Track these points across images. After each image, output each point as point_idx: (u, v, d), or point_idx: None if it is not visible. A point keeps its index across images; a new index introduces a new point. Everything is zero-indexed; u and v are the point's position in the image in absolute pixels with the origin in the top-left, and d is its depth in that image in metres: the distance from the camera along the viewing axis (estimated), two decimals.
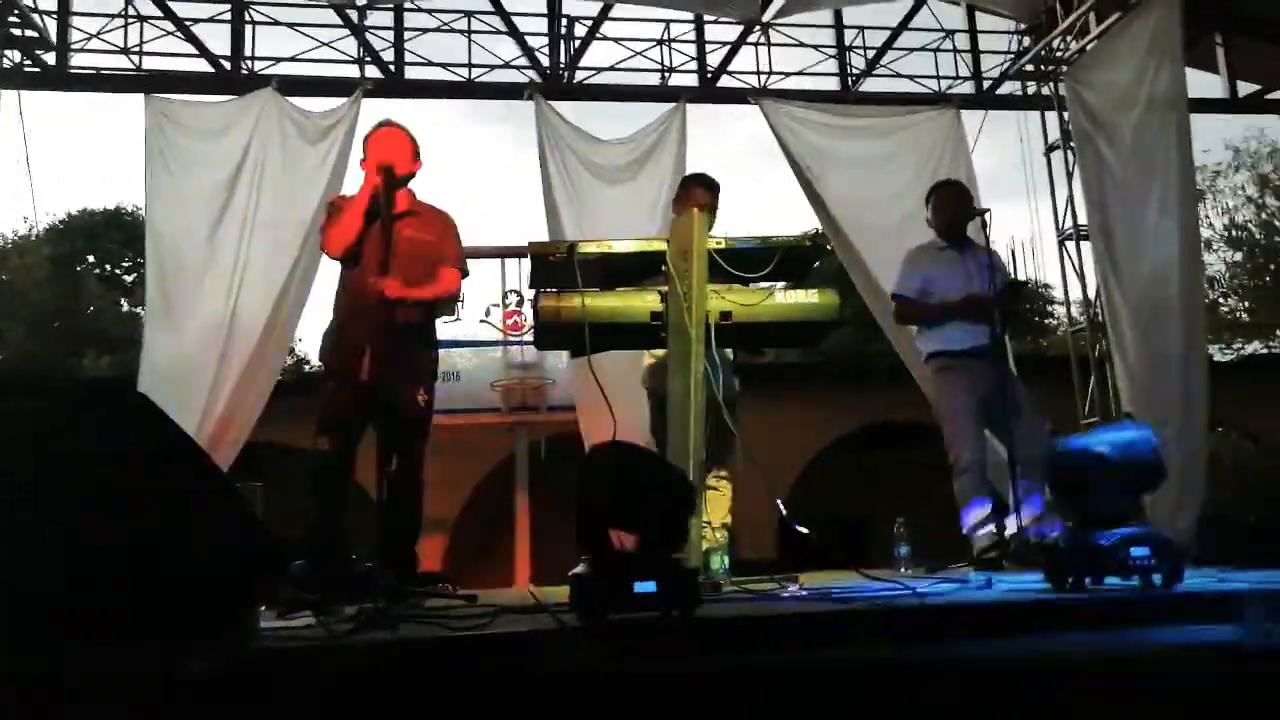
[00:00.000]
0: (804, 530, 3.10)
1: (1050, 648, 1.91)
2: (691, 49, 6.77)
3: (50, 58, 5.99)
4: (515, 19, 6.52)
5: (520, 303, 6.87)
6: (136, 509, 1.56)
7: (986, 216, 4.28)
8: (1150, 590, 2.23)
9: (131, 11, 6.07)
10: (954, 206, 4.56)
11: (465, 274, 3.67)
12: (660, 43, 6.71)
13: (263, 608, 2.90)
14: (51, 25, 6.00)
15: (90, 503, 1.52)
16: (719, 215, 4.13)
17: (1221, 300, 19.13)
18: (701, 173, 4.28)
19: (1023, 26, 6.77)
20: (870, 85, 6.97)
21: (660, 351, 3.99)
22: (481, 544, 9.45)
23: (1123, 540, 2.23)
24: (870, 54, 6.97)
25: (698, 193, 4.10)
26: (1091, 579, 2.28)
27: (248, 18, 6.26)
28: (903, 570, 4.12)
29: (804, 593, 2.52)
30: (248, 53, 6.23)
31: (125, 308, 17.56)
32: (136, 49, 6.05)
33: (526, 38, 6.50)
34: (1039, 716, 1.75)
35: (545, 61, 6.54)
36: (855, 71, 6.97)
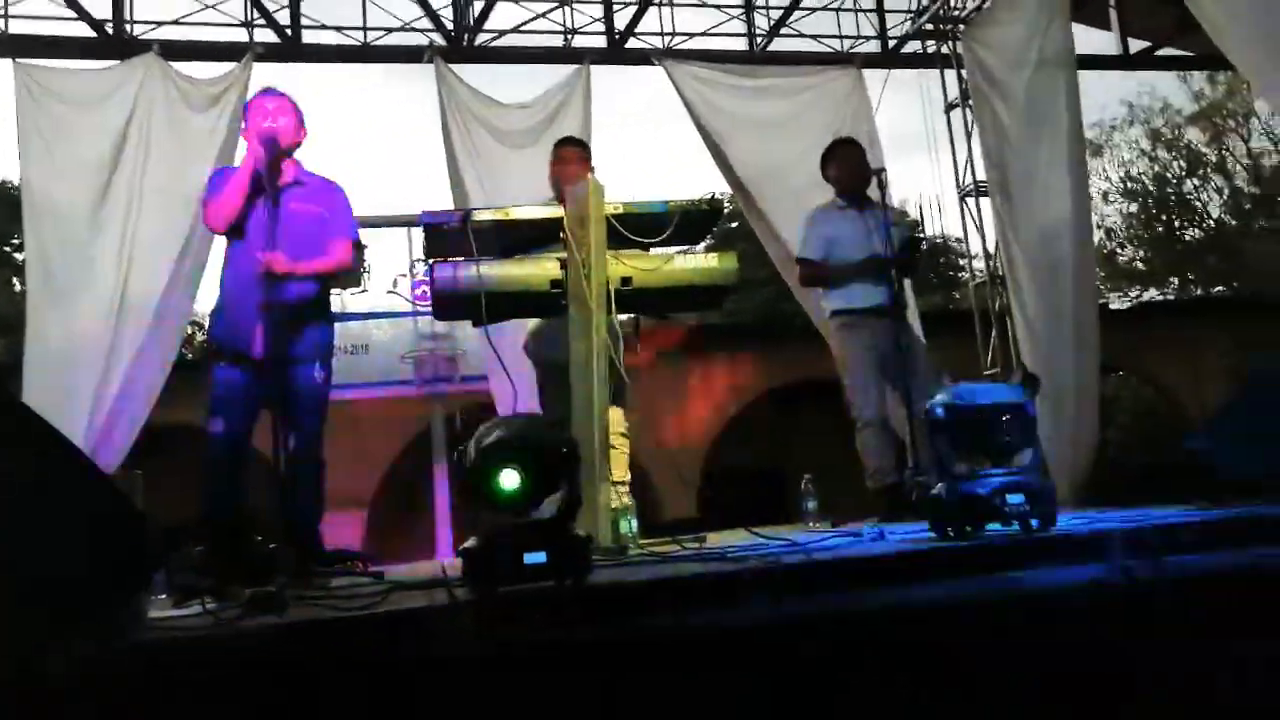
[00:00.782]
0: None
1: (931, 594, 1.98)
2: (594, 10, 6.68)
3: None
4: None
5: (427, 272, 6.75)
6: None
7: (883, 175, 4.36)
8: (1027, 535, 2.33)
9: None
10: (852, 164, 4.63)
11: (358, 245, 3.59)
12: (563, 3, 6.61)
13: (158, 597, 2.84)
14: None
15: None
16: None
17: (1119, 250, 19.95)
18: (568, 135, 4.29)
19: None
20: (776, 45, 6.99)
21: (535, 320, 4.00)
22: (401, 520, 9.36)
23: (998, 489, 2.33)
24: (776, 14, 6.98)
25: (569, 153, 4.11)
26: (972, 526, 2.38)
27: None
28: (810, 525, 4.23)
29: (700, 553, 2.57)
30: (128, 16, 5.92)
31: (18, 287, 16.72)
32: (1, 11, 5.68)
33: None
34: (917, 659, 1.82)
35: (447, 24, 6.38)
36: (761, 32, 6.98)
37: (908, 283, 4.79)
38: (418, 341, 6.82)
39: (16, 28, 5.73)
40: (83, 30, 5.86)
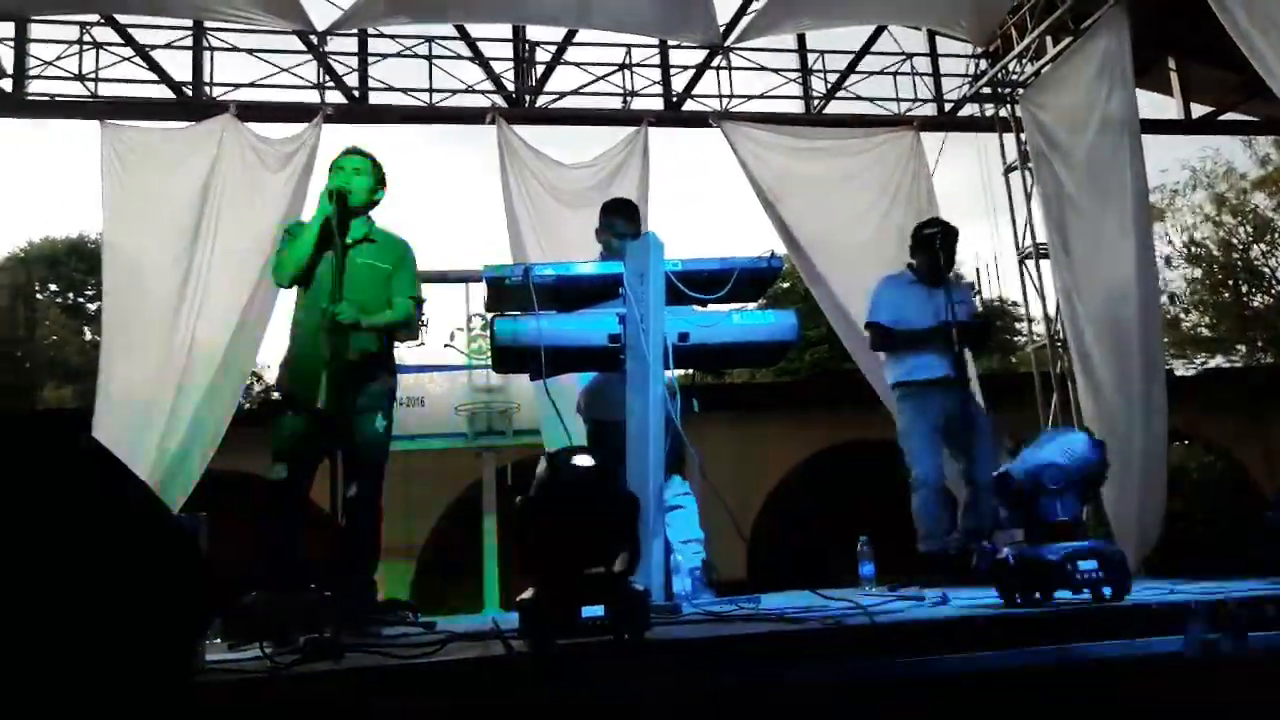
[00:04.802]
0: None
1: (998, 663, 1.91)
2: (653, 73, 6.83)
3: (6, 84, 5.94)
4: (479, 44, 6.57)
5: (485, 326, 6.83)
6: (60, 543, 1.52)
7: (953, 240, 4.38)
8: (1099, 603, 2.24)
9: (88, 38, 6.03)
10: (941, 254, 4.49)
11: (420, 302, 3.65)
12: (623, 67, 6.76)
13: (214, 640, 2.86)
14: (7, 53, 5.96)
15: (8, 537, 1.48)
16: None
17: (1183, 316, 19.47)
18: (614, 199, 4.32)
19: (979, 50, 6.89)
20: (832, 108, 7.06)
21: (588, 376, 4.01)
22: (450, 570, 9.35)
23: (1070, 555, 2.25)
24: (832, 77, 7.07)
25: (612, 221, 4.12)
26: (1041, 594, 2.30)
27: (207, 43, 6.23)
28: (866, 589, 4.12)
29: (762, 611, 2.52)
30: (207, 78, 6.20)
31: (89, 336, 17.32)
32: (92, 76, 6.00)
33: (490, 63, 6.55)
34: None
35: (509, 86, 6.58)
36: (818, 95, 7.05)
37: (970, 355, 4.69)
38: (472, 395, 6.87)
39: (104, 90, 6.04)
40: (165, 92, 6.15)
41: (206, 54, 6.22)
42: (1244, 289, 19.29)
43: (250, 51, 6.30)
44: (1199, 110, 7.95)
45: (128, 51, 6.06)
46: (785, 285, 18.94)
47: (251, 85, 6.25)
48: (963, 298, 4.37)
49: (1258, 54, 4.33)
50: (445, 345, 7.04)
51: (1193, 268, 19.71)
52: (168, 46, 6.19)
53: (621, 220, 4.06)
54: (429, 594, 9.19)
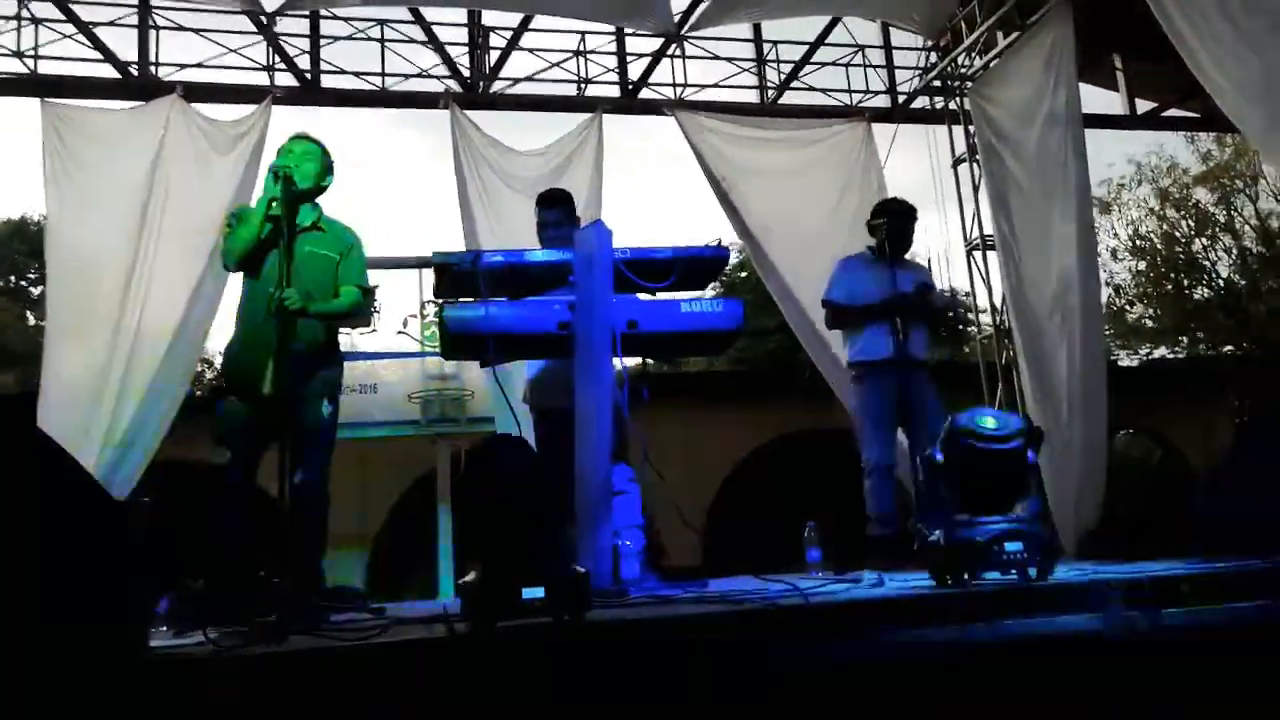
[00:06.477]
0: None
1: (925, 641, 1.98)
2: (609, 61, 6.82)
3: None
4: (433, 28, 6.51)
5: (437, 313, 6.81)
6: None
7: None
8: (1024, 583, 2.33)
9: (26, 13, 5.86)
10: (898, 237, 4.63)
11: (368, 291, 3.65)
12: (578, 54, 6.75)
13: (159, 627, 2.85)
14: None
15: None
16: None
17: (1128, 308, 19.95)
18: (544, 190, 4.33)
19: (930, 43, 6.98)
20: (786, 98, 7.11)
21: (535, 365, 4.04)
22: (404, 558, 9.31)
23: (997, 537, 2.33)
24: (787, 68, 7.12)
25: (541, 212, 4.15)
26: (969, 574, 2.38)
27: (152, 22, 6.10)
28: (812, 573, 4.21)
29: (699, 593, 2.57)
30: (153, 58, 6.07)
31: (32, 321, 16.87)
32: (31, 52, 5.84)
33: (444, 47, 6.50)
34: (908, 706, 1.82)
35: (464, 71, 6.53)
36: (772, 85, 7.11)
37: (925, 336, 4.75)
38: (425, 382, 6.85)
39: (45, 68, 5.88)
40: (109, 71, 6.01)
41: (152, 33, 6.09)
42: (1185, 282, 19.82)
43: (198, 31, 6.18)
44: (1144, 106, 8.14)
45: (70, 28, 5.90)
46: (743, 274, 19.06)
47: (199, 66, 6.13)
48: (913, 276, 4.45)
49: (1189, 49, 4.46)
50: (398, 332, 7.01)
51: (1137, 260, 20.21)
52: (111, 24, 6.04)
53: (550, 212, 4.11)
54: (383, 582, 9.15)
